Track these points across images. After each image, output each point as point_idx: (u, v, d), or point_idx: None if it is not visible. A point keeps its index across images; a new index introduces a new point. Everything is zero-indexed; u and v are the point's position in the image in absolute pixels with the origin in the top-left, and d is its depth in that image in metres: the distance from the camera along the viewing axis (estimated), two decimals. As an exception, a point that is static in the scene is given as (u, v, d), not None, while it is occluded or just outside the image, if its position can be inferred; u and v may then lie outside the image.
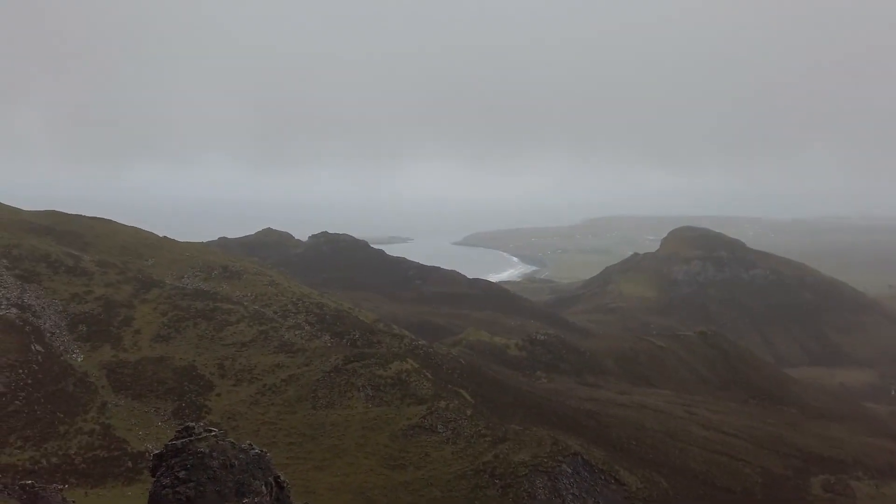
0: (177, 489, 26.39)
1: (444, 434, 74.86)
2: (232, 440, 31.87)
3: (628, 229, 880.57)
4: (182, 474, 26.73)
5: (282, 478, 31.29)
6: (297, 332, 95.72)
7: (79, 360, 79.80)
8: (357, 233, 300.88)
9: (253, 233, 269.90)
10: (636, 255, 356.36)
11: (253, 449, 31.25)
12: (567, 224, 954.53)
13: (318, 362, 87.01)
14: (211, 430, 31.01)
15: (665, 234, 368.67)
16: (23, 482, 30.88)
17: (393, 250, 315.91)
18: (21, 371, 70.44)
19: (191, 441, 28.80)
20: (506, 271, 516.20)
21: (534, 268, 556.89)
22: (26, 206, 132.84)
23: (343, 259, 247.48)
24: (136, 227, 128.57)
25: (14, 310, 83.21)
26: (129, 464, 62.31)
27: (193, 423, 31.64)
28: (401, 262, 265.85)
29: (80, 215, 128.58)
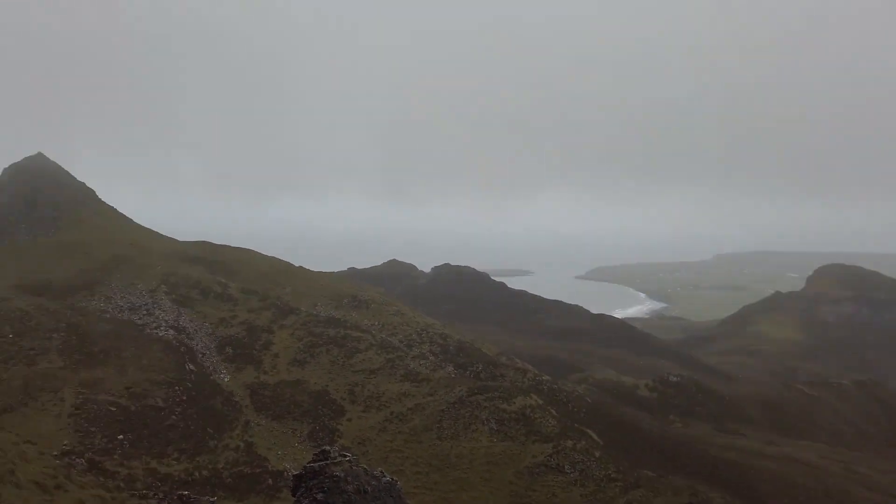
0: (318, 510, 27.04)
1: (571, 475, 72.10)
2: (364, 466, 32.35)
3: (766, 265, 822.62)
4: (320, 496, 27.39)
5: (413, 507, 31.24)
6: (421, 362, 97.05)
7: (226, 379, 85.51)
8: (478, 265, 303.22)
9: (379, 264, 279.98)
10: (778, 293, 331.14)
11: (384, 476, 31.55)
12: (697, 259, 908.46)
13: (443, 393, 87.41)
14: (345, 455, 31.71)
15: (810, 272, 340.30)
16: (180, 493, 33.14)
17: (514, 283, 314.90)
18: (177, 388, 76.45)
19: (327, 464, 29.54)
20: (632, 307, 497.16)
21: (662, 304, 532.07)
22: (181, 237, 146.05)
23: (465, 291, 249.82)
24: (274, 257, 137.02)
25: (171, 331, 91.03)
26: (270, 481, 65.26)
27: (329, 447, 32.52)
28: (522, 295, 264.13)
29: (226, 245, 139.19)
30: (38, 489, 18.79)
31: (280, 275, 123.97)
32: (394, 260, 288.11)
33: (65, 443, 59.86)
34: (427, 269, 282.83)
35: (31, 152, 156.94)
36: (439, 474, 71.77)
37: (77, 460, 54.81)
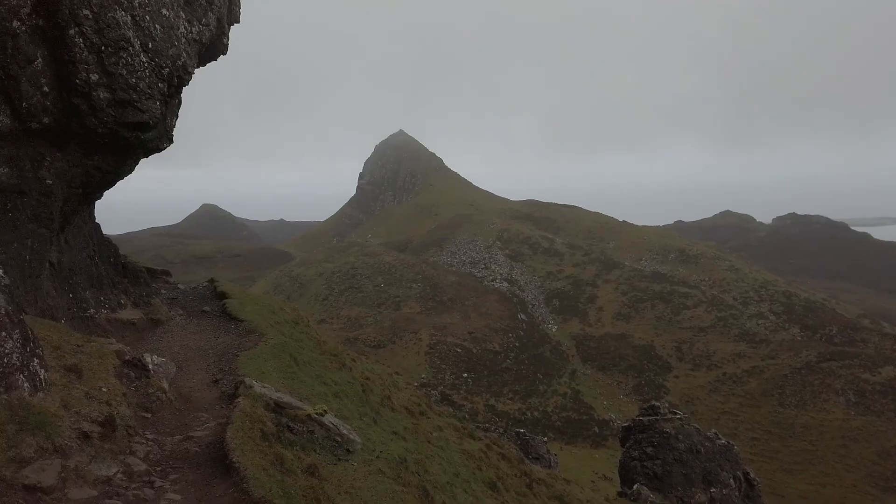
0: (644, 463, 27.40)
1: (960, 464, 59.45)
2: (697, 426, 31.42)
3: None
4: (650, 450, 27.58)
5: (751, 474, 29.50)
6: (759, 322, 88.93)
7: (553, 330, 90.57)
8: (834, 214, 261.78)
9: (710, 216, 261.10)
10: None
11: (719, 439, 30.26)
12: None
13: (786, 356, 79.09)
14: (676, 413, 31.20)
15: None
16: (517, 430, 36.64)
17: (883, 233, 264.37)
18: (511, 335, 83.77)
19: (657, 420, 29.47)
20: None
21: None
22: (512, 197, 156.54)
23: (815, 243, 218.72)
24: (598, 212, 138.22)
25: (505, 284, 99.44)
26: (596, 429, 67.83)
27: (658, 403, 32.33)
28: (893, 248, 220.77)
29: (553, 203, 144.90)
30: (408, 413, 22.82)
31: (604, 230, 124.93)
32: (727, 211, 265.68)
33: (422, 376, 70.68)
34: (767, 220, 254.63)
35: (394, 130, 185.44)
36: (780, 443, 65.79)
37: (432, 392, 64.33)
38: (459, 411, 61.80)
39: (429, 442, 20.39)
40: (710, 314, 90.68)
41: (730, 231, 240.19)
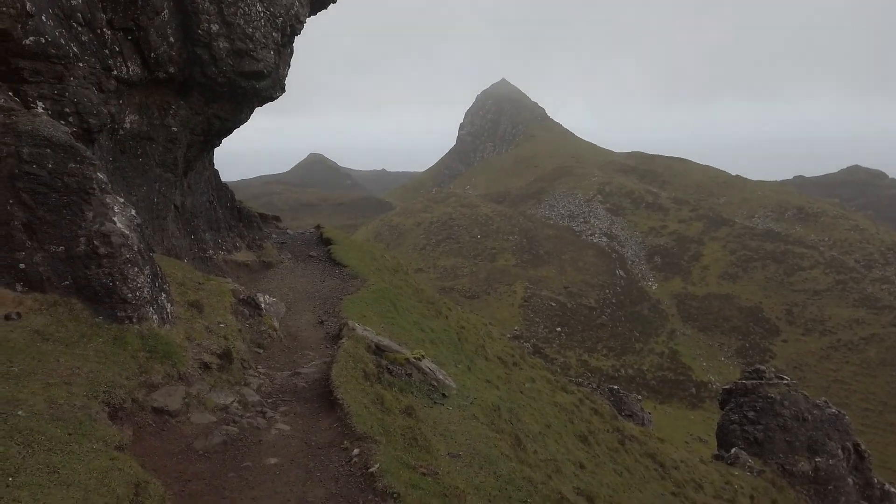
0: (745, 427, 26.54)
1: None
2: (805, 393, 29.99)
3: None
4: (751, 415, 26.65)
5: (862, 446, 27.96)
6: (883, 287, 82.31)
7: (653, 287, 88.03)
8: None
9: (835, 171, 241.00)
10: None
11: (829, 407, 28.79)
12: None
13: (913, 326, 73.16)
14: (782, 378, 29.84)
15: None
16: (610, 386, 36.37)
17: None
18: (608, 291, 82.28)
19: (761, 384, 28.34)
20: None
21: None
22: (616, 149, 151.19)
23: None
24: (708, 166, 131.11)
25: (604, 238, 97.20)
26: (693, 390, 66.09)
27: (763, 367, 31.00)
28: None
29: (660, 155, 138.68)
30: (501, 363, 23.15)
31: (714, 184, 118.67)
32: (856, 166, 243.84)
33: (515, 328, 71.10)
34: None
35: (497, 79, 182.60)
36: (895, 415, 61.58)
37: (525, 344, 64.69)
38: (551, 365, 61.92)
39: (521, 392, 20.66)
40: (828, 276, 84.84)
41: (857, 187, 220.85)
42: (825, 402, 29.13)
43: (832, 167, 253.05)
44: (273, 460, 7.96)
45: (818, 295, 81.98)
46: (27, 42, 9.93)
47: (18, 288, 8.80)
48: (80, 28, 11.23)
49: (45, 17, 10.28)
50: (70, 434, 6.10)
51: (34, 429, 5.93)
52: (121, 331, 8.95)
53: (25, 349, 7.67)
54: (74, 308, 8.89)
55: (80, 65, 11.11)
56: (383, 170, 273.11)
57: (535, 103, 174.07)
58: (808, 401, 28.14)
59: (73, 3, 11.07)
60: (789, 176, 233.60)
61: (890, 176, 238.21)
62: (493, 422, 12.73)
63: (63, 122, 10.51)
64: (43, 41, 10.17)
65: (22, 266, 8.79)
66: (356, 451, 8.05)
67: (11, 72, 10.00)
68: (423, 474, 8.00)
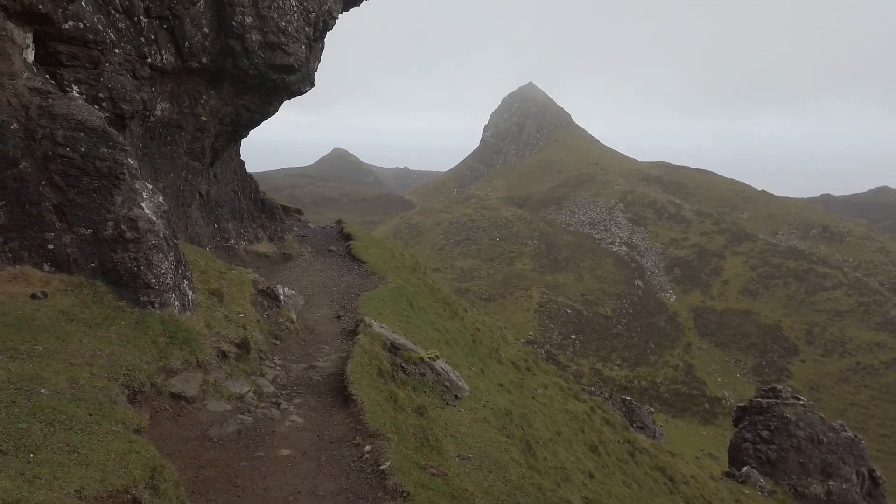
0: (758, 446, 26.22)
1: None
2: (821, 415, 29.57)
3: None
4: (765, 434, 26.33)
5: (877, 472, 27.51)
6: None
7: (671, 299, 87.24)
8: None
9: (864, 191, 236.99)
10: None
11: (845, 431, 28.35)
12: None
13: (936, 353, 71.79)
14: (799, 399, 29.44)
15: None
16: (623, 397, 36.11)
17: None
18: (625, 301, 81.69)
19: (777, 403, 27.99)
20: None
21: None
22: (641, 157, 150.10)
23: None
24: (734, 180, 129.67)
25: (624, 248, 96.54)
26: (707, 405, 65.40)
27: (780, 386, 30.61)
28: None
29: (685, 166, 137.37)
30: (514, 367, 23.11)
31: (739, 198, 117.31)
32: (885, 187, 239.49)
33: (530, 333, 70.86)
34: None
35: (524, 82, 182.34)
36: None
37: (538, 350, 64.45)
38: (564, 372, 61.65)
39: (533, 398, 20.61)
40: (851, 298, 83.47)
41: (886, 209, 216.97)
42: (841, 425, 28.69)
43: (861, 187, 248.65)
44: (285, 452, 8.03)
45: (840, 316, 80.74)
46: (66, 27, 10.12)
47: (46, 268, 8.97)
48: (118, 15, 11.42)
49: (85, 3, 10.47)
50: (90, 415, 6.21)
51: (56, 407, 6.05)
52: (143, 315, 9.09)
53: (50, 328, 7.82)
54: (99, 290, 9.04)
55: (116, 51, 11.29)
56: (406, 168, 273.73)
57: (561, 108, 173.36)
58: (824, 423, 27.74)
59: (113, -10, 11.26)
60: (816, 194, 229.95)
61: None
62: (504, 426, 12.72)
63: (97, 107, 10.70)
64: (82, 26, 10.36)
65: (51, 246, 8.96)
66: (368, 447, 8.10)
67: (50, 55, 10.20)
68: (433, 475, 8.02)
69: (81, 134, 9.17)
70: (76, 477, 5.14)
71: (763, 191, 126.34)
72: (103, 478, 5.28)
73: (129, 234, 9.26)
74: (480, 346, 21.37)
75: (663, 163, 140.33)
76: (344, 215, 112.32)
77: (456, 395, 12.78)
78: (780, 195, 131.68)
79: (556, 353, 68.29)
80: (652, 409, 39.39)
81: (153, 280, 9.38)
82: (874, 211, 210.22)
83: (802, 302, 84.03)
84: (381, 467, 7.58)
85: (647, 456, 24.02)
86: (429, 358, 13.34)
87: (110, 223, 9.19)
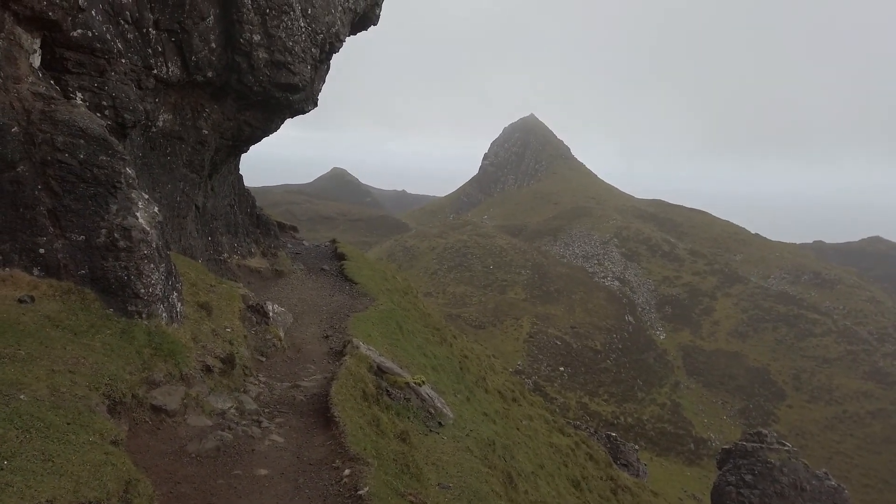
0: (741, 490, 26.05)
1: None
2: (805, 462, 29.45)
3: None
4: (749, 478, 26.18)
5: (860, 525, 27.34)
6: (895, 362, 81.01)
7: (661, 337, 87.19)
8: None
9: (856, 239, 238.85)
10: None
11: (829, 479, 28.22)
12: None
13: (921, 405, 71.82)
14: (784, 444, 29.34)
15: None
16: (608, 433, 35.88)
17: None
18: (615, 335, 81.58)
19: (762, 448, 27.88)
20: None
21: None
22: (640, 194, 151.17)
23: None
24: (728, 221, 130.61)
25: (617, 282, 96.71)
26: (692, 446, 65.00)
27: (766, 431, 30.51)
28: None
29: (680, 205, 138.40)
30: (500, 397, 22.99)
31: (732, 240, 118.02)
32: (876, 237, 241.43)
33: (518, 363, 70.55)
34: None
35: (526, 113, 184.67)
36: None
37: (526, 380, 64.12)
38: (551, 404, 61.33)
39: (518, 429, 20.47)
40: (839, 346, 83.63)
41: (876, 258, 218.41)
42: (825, 473, 28.57)
43: (854, 235, 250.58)
44: (263, 471, 7.94)
45: (828, 363, 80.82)
46: (75, 34, 10.22)
47: (35, 272, 8.93)
48: (126, 25, 11.54)
49: (95, 12, 10.58)
50: (68, 423, 6.14)
51: (34, 414, 5.98)
52: (129, 325, 9.03)
53: (34, 333, 7.76)
54: (87, 298, 9.00)
55: (123, 61, 11.39)
56: (403, 191, 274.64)
57: (561, 141, 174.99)
58: (808, 470, 27.62)
59: (124, 1, 11.40)
60: (809, 240, 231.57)
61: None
62: (486, 456, 12.61)
63: (99, 115, 10.75)
64: (90, 35, 10.46)
65: (42, 251, 8.93)
66: (347, 471, 8.02)
67: (56, 61, 10.28)
68: (412, 503, 7.93)
69: (81, 141, 9.21)
70: (49, 486, 5.07)
71: (756, 234, 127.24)
72: (76, 489, 5.21)
73: (121, 243, 9.25)
74: (468, 373, 21.27)
75: (659, 200, 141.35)
76: (339, 235, 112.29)
77: (440, 423, 12.68)
78: (774, 239, 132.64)
79: (544, 384, 67.94)
80: (637, 447, 39.10)
81: (142, 290, 9.34)
82: (865, 260, 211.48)
83: (791, 347, 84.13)
84: (360, 492, 7.50)
85: (630, 494, 23.80)
86: (415, 383, 13.26)
87: (103, 231, 9.19)
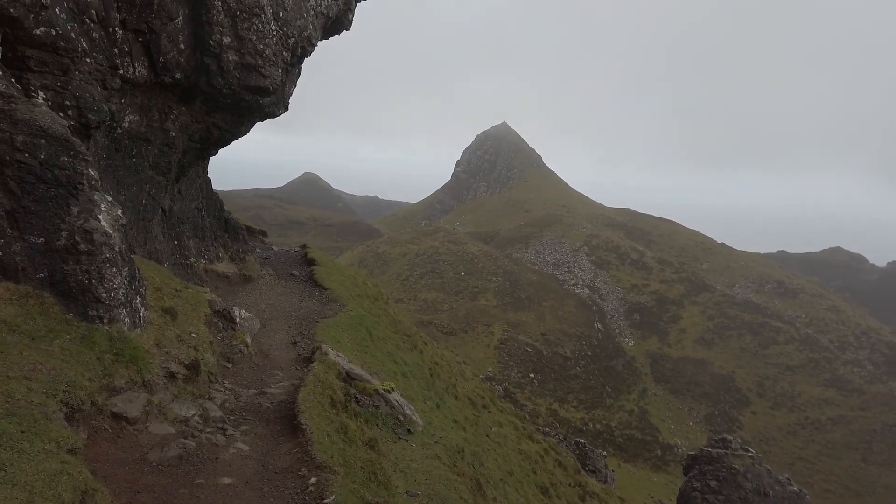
0: (706, 496, 26.39)
1: None
2: (768, 468, 29.96)
3: None
4: (714, 484, 26.54)
5: (820, 530, 27.92)
6: (855, 370, 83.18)
7: (630, 344, 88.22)
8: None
9: (817, 250, 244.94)
10: None
11: (791, 485, 28.76)
12: None
13: (879, 410, 73.75)
14: (748, 450, 29.82)
15: None
16: (577, 439, 36.09)
17: None
18: (584, 343, 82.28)
19: (726, 454, 28.29)
20: None
21: None
22: (609, 203, 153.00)
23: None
24: (695, 231, 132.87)
25: (587, 290, 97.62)
26: (659, 452, 65.78)
27: (730, 437, 30.98)
28: None
29: (649, 214, 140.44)
30: (470, 404, 22.97)
31: (699, 249, 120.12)
32: (838, 248, 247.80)
33: (489, 370, 70.68)
34: (882, 264, 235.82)
35: (498, 121, 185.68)
36: (856, 500, 61.56)
37: (496, 387, 64.24)
38: (521, 411, 61.53)
39: (487, 436, 20.46)
40: (802, 353, 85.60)
41: (837, 269, 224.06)
42: (788, 479, 29.12)
43: (816, 245, 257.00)
44: (227, 480, 7.78)
45: (790, 370, 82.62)
46: (37, 32, 9.96)
47: (-8, 275, 8.65)
48: (92, 24, 11.30)
49: (59, 10, 10.34)
50: (23, 431, 5.94)
51: (-14, 422, 5.79)
52: (90, 330, 8.80)
53: (-11, 338, 7.52)
54: (46, 302, 8.75)
55: (87, 60, 11.14)
56: (376, 197, 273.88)
57: (533, 149, 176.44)
58: (771, 476, 28.12)
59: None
60: (773, 249, 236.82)
61: (870, 261, 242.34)
62: (455, 464, 12.57)
63: (62, 115, 10.49)
64: (53, 33, 10.21)
65: (-1, 253, 8.66)
66: (313, 479, 7.90)
67: (17, 59, 10.01)
68: (379, 511, 7.86)
69: (42, 140, 8.97)
70: (0, 497, 4.89)
71: (723, 243, 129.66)
72: (30, 499, 5.04)
73: (82, 246, 9.02)
74: (438, 380, 21.22)
75: (628, 209, 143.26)
76: (310, 240, 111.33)
77: (409, 430, 12.61)
78: (739, 248, 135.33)
79: (514, 391, 68.14)
80: (605, 454, 39.41)
81: (104, 294, 9.11)
82: (826, 270, 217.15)
83: (755, 354, 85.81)
84: (325, 501, 7.39)
85: (598, 501, 23.95)
86: (384, 390, 13.17)
87: (64, 233, 8.95)
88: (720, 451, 28.93)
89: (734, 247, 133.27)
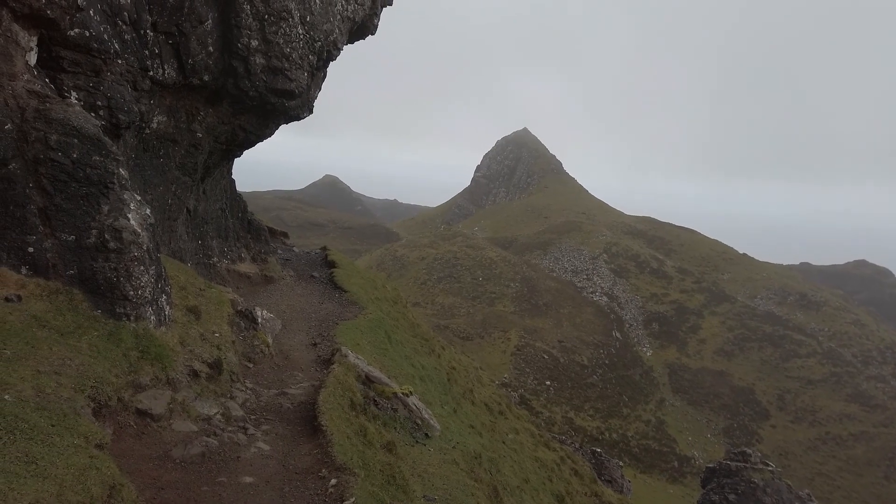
0: (724, 510, 26.04)
1: None
2: (788, 483, 29.53)
3: None
4: (732, 497, 26.19)
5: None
6: (878, 385, 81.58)
7: (648, 354, 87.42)
8: None
9: (842, 263, 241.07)
10: None
11: (811, 501, 28.31)
12: None
13: (904, 428, 72.29)
14: (767, 464, 29.41)
15: None
16: (593, 448, 35.83)
17: None
18: (602, 351, 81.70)
19: (745, 467, 27.93)
20: None
21: None
22: (630, 211, 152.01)
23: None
24: (716, 240, 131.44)
25: (605, 298, 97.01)
26: (676, 463, 65.02)
27: (750, 451, 30.57)
28: None
29: (669, 223, 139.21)
30: (487, 410, 22.92)
31: (720, 259, 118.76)
32: (862, 260, 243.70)
33: (505, 376, 70.46)
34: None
35: (519, 127, 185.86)
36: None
37: (512, 393, 64.02)
38: (536, 418, 61.25)
39: (503, 442, 20.40)
40: (824, 367, 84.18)
41: (862, 282, 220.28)
42: (808, 494, 28.66)
43: (841, 258, 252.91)
44: (248, 479, 7.85)
45: (812, 384, 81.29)
46: (72, 33, 10.17)
47: (23, 271, 8.83)
48: (124, 26, 11.51)
49: (93, 13, 10.55)
50: (53, 425, 6.05)
51: (19, 415, 5.90)
52: (117, 327, 8.94)
53: (21, 333, 7.66)
54: (75, 298, 8.90)
55: (119, 62, 11.35)
56: (395, 200, 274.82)
57: (553, 155, 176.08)
58: (791, 491, 27.69)
59: (122, 1, 11.37)
60: (796, 261, 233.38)
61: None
62: (472, 469, 12.55)
63: (94, 115, 10.69)
64: (87, 34, 10.41)
65: (30, 250, 8.84)
66: (333, 481, 7.95)
67: (52, 60, 10.22)
68: (397, 514, 7.88)
69: (75, 140, 9.15)
70: (32, 489, 4.99)
71: (744, 254, 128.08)
72: (60, 492, 5.13)
73: (112, 244, 9.17)
74: (455, 385, 21.21)
75: (649, 218, 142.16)
76: (330, 242, 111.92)
77: (426, 434, 12.62)
78: (761, 259, 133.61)
79: (530, 398, 67.84)
80: (621, 463, 39.04)
81: (131, 292, 9.26)
82: (851, 283, 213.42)
83: (776, 367, 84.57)
84: (345, 503, 7.43)
85: (614, 511, 23.72)
86: (402, 393, 13.20)
87: (94, 231, 9.11)
88: (739, 464, 28.56)
89: (757, 257, 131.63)
